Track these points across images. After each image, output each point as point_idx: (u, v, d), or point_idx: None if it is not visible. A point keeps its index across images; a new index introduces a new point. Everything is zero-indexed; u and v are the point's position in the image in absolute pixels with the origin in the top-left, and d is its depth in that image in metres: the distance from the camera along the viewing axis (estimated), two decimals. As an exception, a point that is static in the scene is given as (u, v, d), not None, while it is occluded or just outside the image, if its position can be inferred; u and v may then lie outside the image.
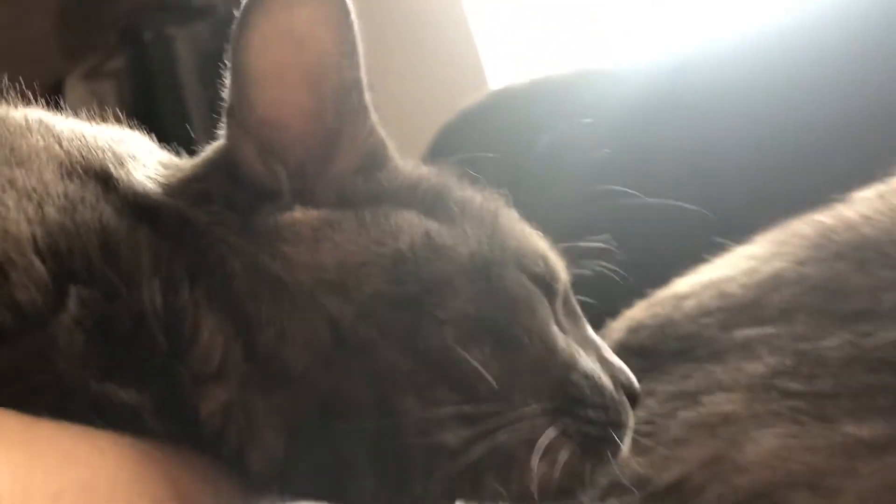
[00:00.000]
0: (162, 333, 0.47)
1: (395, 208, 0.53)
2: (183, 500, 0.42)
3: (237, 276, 0.48)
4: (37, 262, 0.44)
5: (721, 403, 0.56)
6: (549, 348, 0.51)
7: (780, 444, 0.51)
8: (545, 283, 0.54)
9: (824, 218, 0.63)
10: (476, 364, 0.48)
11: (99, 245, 0.47)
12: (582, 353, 0.54)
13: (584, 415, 0.51)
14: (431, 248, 0.51)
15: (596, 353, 0.56)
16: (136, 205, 0.50)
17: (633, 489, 0.55)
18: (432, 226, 0.52)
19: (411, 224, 0.52)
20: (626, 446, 0.54)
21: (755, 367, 0.56)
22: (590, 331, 0.58)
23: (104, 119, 0.58)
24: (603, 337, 0.69)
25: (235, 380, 0.47)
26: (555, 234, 0.61)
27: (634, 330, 0.66)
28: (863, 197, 0.66)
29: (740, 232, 0.70)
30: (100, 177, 0.50)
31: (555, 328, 0.53)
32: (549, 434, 0.49)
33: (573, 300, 0.59)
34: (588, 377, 0.52)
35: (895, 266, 0.56)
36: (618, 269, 0.63)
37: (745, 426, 0.54)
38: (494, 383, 0.48)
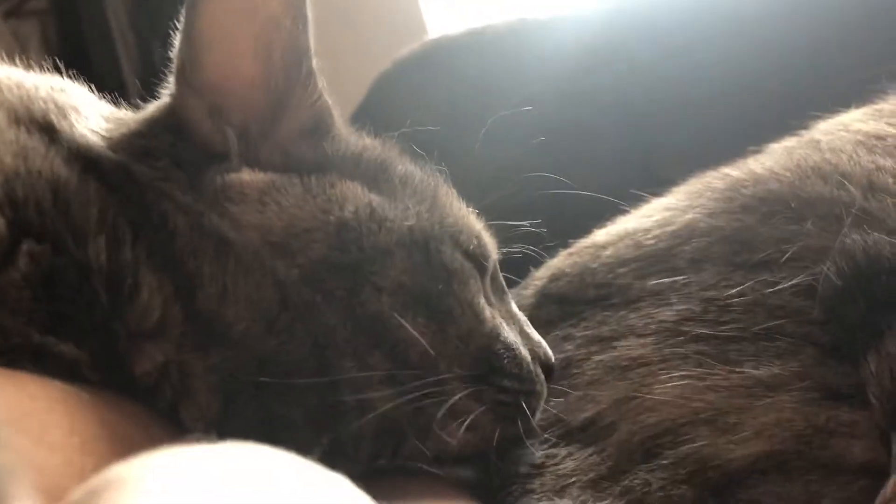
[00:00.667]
0: (104, 290, 0.48)
1: (340, 177, 0.55)
2: (113, 440, 0.44)
3: (180, 234, 0.49)
4: None
5: (633, 347, 0.59)
6: (477, 320, 0.55)
7: (685, 384, 0.55)
8: (478, 259, 0.57)
9: (735, 172, 0.66)
10: (412, 331, 0.51)
11: (51, 196, 0.47)
12: (505, 326, 0.57)
13: (501, 383, 0.54)
14: (374, 218, 0.53)
15: (518, 328, 0.59)
16: (80, 157, 0.50)
17: (550, 427, 0.58)
18: (375, 198, 0.54)
19: (356, 194, 0.54)
20: (537, 414, 0.57)
21: (665, 314, 0.59)
22: (514, 307, 0.62)
23: (28, 60, 0.58)
24: (527, 285, 0.72)
25: (173, 339, 0.48)
26: (489, 210, 0.64)
27: (555, 278, 0.68)
28: (773, 149, 0.69)
29: (670, 181, 0.73)
30: (44, 128, 0.50)
31: (483, 302, 0.56)
32: (466, 400, 0.52)
33: (500, 277, 0.62)
34: (509, 348, 0.56)
35: (798, 219, 0.59)
36: (544, 252, 0.66)
37: (654, 368, 0.57)
38: (429, 349, 0.51)
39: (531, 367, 0.57)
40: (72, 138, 0.50)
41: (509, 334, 0.57)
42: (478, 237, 0.59)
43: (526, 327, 0.60)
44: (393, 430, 0.51)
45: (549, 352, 0.60)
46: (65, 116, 0.51)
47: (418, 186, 0.58)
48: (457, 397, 0.52)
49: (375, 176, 0.56)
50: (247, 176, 0.52)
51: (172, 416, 0.49)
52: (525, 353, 0.57)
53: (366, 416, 0.50)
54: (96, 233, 0.47)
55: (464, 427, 0.52)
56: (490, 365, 0.54)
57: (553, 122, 1.00)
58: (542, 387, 0.57)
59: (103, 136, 0.51)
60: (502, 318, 0.58)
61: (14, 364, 0.45)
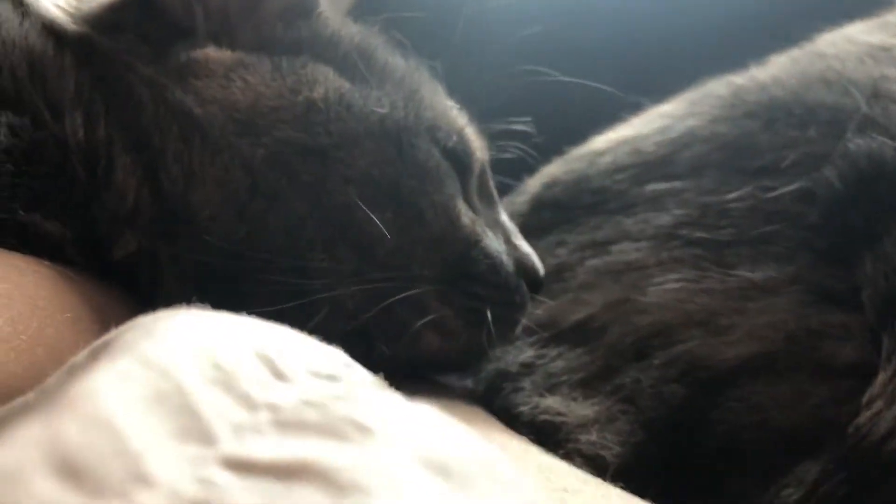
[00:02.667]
0: (83, 168, 0.46)
1: (313, 60, 0.52)
2: (103, 321, 0.43)
3: (145, 108, 0.47)
4: None
5: (627, 252, 0.58)
6: (452, 223, 0.52)
7: (680, 287, 0.55)
8: (458, 158, 0.55)
9: (738, 79, 0.65)
10: (379, 225, 0.48)
11: (27, 66, 0.46)
12: (489, 233, 0.55)
13: (473, 290, 0.52)
14: (343, 104, 0.50)
15: (504, 237, 0.57)
16: (53, 31, 0.48)
17: (540, 329, 0.58)
18: (346, 84, 0.52)
19: (327, 77, 0.51)
20: (518, 326, 0.55)
21: (662, 219, 0.58)
22: (503, 214, 0.59)
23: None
24: (521, 191, 0.71)
25: (144, 225, 0.47)
26: (479, 108, 0.61)
27: (550, 185, 0.68)
28: (777, 60, 0.68)
29: (659, 94, 0.71)
30: (15, 1, 0.48)
31: (461, 204, 0.53)
32: (434, 301, 0.50)
33: (490, 182, 0.60)
34: (488, 256, 0.53)
35: (800, 126, 0.59)
36: (535, 152, 0.64)
37: (648, 272, 0.57)
38: (391, 245, 0.49)
39: (512, 277, 0.54)
40: (36, 11, 0.48)
41: (491, 242, 0.54)
42: (459, 134, 0.56)
43: (514, 237, 0.58)
44: (362, 332, 0.49)
45: (538, 264, 0.57)
46: None
47: (400, 78, 0.55)
48: (424, 298, 0.50)
49: (353, 63, 0.53)
50: (213, 52, 0.50)
51: (150, 302, 0.48)
52: (507, 262, 0.54)
53: (335, 317, 0.48)
54: (73, 107, 0.46)
55: (431, 330, 0.51)
56: (464, 270, 0.52)
57: (551, 33, 0.97)
58: (523, 298, 0.55)
59: (68, 11, 0.50)
60: (488, 224, 0.56)
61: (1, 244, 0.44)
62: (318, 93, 0.50)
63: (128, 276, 0.48)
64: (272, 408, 0.22)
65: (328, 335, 0.47)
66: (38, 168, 0.45)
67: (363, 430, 0.21)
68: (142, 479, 0.17)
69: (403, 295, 0.49)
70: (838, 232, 0.53)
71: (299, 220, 0.48)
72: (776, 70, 0.64)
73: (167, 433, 0.19)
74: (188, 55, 0.50)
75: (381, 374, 0.33)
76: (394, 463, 0.20)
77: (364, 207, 0.48)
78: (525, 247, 0.58)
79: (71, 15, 0.50)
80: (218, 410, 0.21)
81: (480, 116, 0.61)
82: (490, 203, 0.59)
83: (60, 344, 0.39)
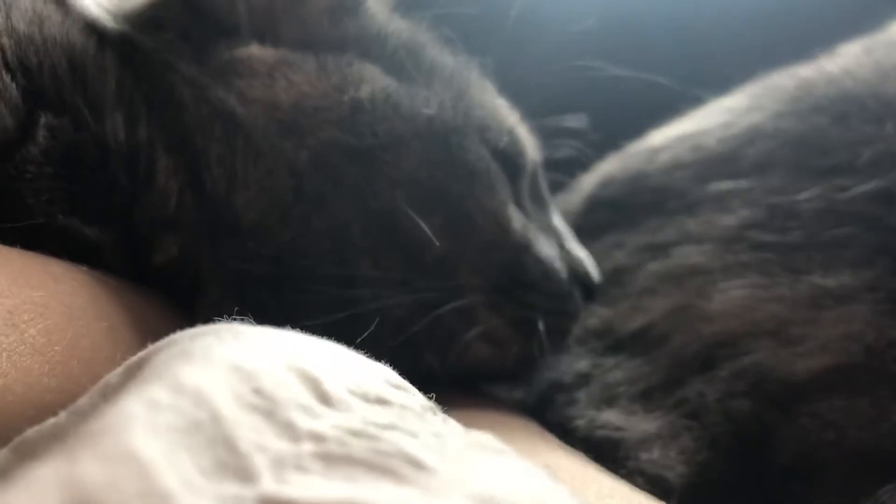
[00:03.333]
0: (124, 171, 0.45)
1: (360, 58, 0.50)
2: (141, 328, 0.41)
3: (187, 108, 0.46)
4: (7, 80, 0.42)
5: (690, 255, 0.55)
6: (502, 228, 0.50)
7: (747, 294, 0.51)
8: (509, 159, 0.52)
9: (805, 71, 0.61)
10: (426, 231, 0.46)
11: (67, 65, 0.44)
12: (541, 238, 0.52)
13: (525, 298, 0.50)
14: (390, 103, 0.49)
15: (557, 242, 0.55)
16: (95, 29, 0.47)
17: (596, 337, 0.55)
18: (393, 83, 0.50)
19: (373, 76, 0.50)
20: (569, 336, 0.53)
21: (727, 220, 0.55)
22: (555, 218, 0.57)
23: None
24: (574, 190, 0.68)
25: (187, 229, 0.46)
26: (530, 106, 0.59)
27: (606, 183, 0.65)
28: (847, 51, 0.64)
29: (720, 87, 0.68)
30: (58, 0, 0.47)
31: (512, 208, 0.51)
32: (484, 311, 0.49)
33: (542, 183, 0.57)
34: (540, 263, 0.51)
35: (875, 120, 0.55)
36: (591, 150, 0.61)
37: (713, 277, 0.53)
38: (439, 252, 0.47)
39: (565, 284, 0.52)
40: (80, 10, 0.47)
41: (542, 247, 0.52)
42: (510, 134, 0.53)
43: (567, 242, 0.56)
44: (410, 343, 0.47)
45: (593, 270, 0.55)
46: None
47: (448, 76, 0.53)
48: (474, 308, 0.48)
49: (401, 61, 0.52)
50: (256, 50, 0.48)
51: (190, 310, 0.46)
52: (560, 268, 0.52)
53: (383, 327, 0.46)
54: (113, 108, 0.45)
55: (481, 340, 0.49)
56: (515, 278, 0.50)
57: (605, 27, 0.94)
58: (576, 307, 0.53)
59: (109, 10, 0.48)
60: (539, 228, 0.53)
61: (37, 246, 0.42)
62: (364, 92, 0.48)
63: (168, 282, 0.46)
64: (316, 437, 0.20)
65: (376, 348, 0.46)
66: (77, 171, 0.44)
67: (416, 465, 0.19)
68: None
69: (452, 305, 0.47)
70: (921, 235, 0.49)
71: (344, 225, 0.46)
72: (847, 60, 0.60)
73: (201, 469, 0.17)
74: (231, 54, 0.48)
75: (432, 392, 0.31)
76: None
77: (411, 212, 0.46)
78: (579, 252, 0.56)
79: (112, 13, 0.49)
80: (258, 441, 0.19)
81: (533, 114, 0.59)
82: (542, 205, 0.57)
83: (97, 355, 0.37)
